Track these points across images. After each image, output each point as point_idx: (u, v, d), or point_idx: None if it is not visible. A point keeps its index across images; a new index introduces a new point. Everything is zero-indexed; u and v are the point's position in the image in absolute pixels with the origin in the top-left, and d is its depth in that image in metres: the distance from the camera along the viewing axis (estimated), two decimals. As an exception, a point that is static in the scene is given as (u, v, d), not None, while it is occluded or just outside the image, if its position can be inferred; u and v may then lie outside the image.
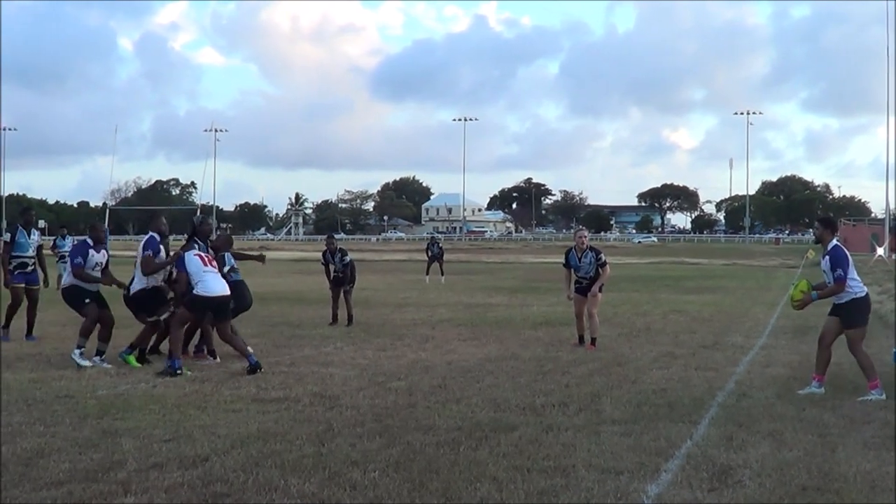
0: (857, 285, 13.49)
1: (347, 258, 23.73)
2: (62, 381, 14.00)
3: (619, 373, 15.24)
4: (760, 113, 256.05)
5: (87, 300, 16.45)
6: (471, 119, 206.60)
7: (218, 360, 16.45)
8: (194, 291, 15.66)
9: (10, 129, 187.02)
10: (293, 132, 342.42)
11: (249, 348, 15.57)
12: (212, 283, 15.69)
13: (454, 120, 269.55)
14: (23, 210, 21.36)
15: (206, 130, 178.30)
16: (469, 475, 8.80)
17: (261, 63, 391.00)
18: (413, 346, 18.61)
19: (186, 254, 15.98)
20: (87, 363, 15.64)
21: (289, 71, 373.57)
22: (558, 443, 10.19)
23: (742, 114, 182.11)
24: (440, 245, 46.90)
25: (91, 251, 16.46)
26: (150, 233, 16.80)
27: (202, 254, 16.15)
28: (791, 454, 9.75)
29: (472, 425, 11.01)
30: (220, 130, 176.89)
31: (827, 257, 13.56)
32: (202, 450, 9.76)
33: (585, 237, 19.23)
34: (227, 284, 15.97)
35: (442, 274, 44.77)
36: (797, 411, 11.99)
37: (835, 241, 13.65)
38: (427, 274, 44.57)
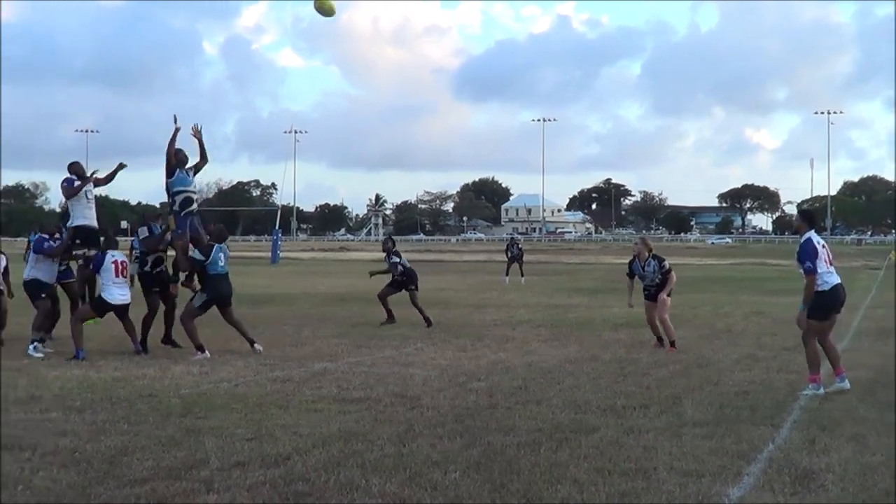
0: (823, 278, 13.38)
1: (395, 259, 23.76)
2: (145, 380, 14.14)
3: (700, 375, 15.14)
4: (841, 112, 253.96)
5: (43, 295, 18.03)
6: (550, 120, 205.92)
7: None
8: (102, 294, 17.15)
9: (91, 132, 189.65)
10: (375, 133, 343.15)
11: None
12: (115, 293, 17.04)
13: (533, 121, 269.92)
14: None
15: (286, 132, 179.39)
16: (550, 477, 8.78)
17: (343, 65, 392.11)
18: (493, 346, 18.59)
19: (106, 255, 17.18)
20: (40, 355, 16.82)
21: (371, 72, 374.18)
22: (639, 445, 10.13)
23: (823, 113, 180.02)
24: (520, 246, 46.81)
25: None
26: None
27: (119, 261, 17.17)
28: (874, 458, 9.63)
29: (552, 427, 10.98)
30: (300, 132, 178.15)
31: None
32: (284, 449, 9.81)
33: (641, 248, 19.21)
34: (128, 294, 17.30)
35: (522, 275, 44.66)
36: (880, 414, 11.84)
37: (807, 234, 13.53)
38: (507, 275, 44.49)
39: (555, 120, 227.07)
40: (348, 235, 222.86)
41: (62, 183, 18.31)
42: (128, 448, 9.80)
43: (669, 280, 18.60)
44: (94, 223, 18.40)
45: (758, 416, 11.73)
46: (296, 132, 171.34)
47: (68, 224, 18.42)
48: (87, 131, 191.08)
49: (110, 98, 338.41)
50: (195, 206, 18.43)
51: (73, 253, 18.40)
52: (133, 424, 10.98)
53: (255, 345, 17.35)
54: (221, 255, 17.46)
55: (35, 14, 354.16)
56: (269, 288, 34.59)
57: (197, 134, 18.59)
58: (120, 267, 17.14)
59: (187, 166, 18.40)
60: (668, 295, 18.79)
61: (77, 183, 18.18)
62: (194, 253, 17.28)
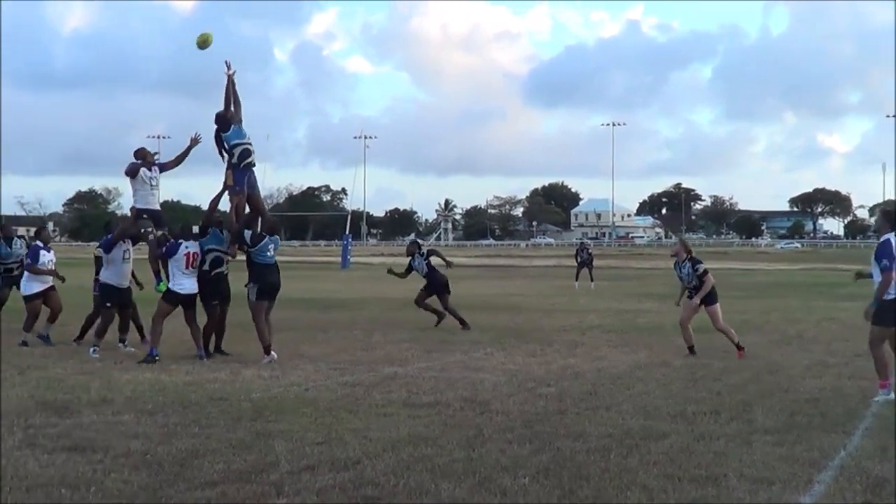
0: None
1: (416, 261, 24.06)
2: (217, 384, 14.24)
3: (771, 381, 15.02)
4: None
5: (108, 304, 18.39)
6: (619, 124, 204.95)
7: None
8: (170, 286, 17.53)
9: (163, 138, 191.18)
10: (445, 138, 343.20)
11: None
12: (185, 283, 17.43)
13: (602, 125, 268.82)
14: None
15: (355, 137, 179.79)
16: (619, 483, 8.75)
17: (412, 70, 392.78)
18: (563, 351, 18.54)
19: (180, 245, 17.54)
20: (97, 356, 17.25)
21: (440, 78, 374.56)
22: (710, 451, 10.07)
23: (893, 116, 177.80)
24: (589, 251, 46.74)
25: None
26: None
27: (191, 252, 17.45)
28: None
29: (622, 432, 10.94)
30: (370, 137, 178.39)
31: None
32: (354, 453, 9.84)
33: (679, 249, 19.59)
34: (195, 285, 17.54)
35: (592, 280, 44.52)
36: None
37: (888, 235, 13.37)
38: (577, 280, 44.41)
39: (624, 124, 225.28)
40: (418, 240, 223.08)
41: (129, 165, 18.61)
42: (198, 451, 9.87)
43: (705, 283, 18.37)
44: (157, 207, 18.72)
45: (829, 423, 11.62)
46: (365, 137, 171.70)
47: (131, 206, 18.93)
48: (158, 137, 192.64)
49: (182, 105, 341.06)
50: (252, 158, 18.49)
51: (143, 231, 18.64)
52: (204, 427, 11.06)
53: (272, 353, 16.92)
54: (272, 245, 17.48)
55: (106, 22, 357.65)
56: (339, 293, 34.76)
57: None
58: (191, 258, 17.33)
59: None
60: (708, 302, 18.40)
61: (141, 170, 18.50)
62: (245, 235, 17.29)
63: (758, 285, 45.33)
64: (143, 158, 18.72)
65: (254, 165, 18.51)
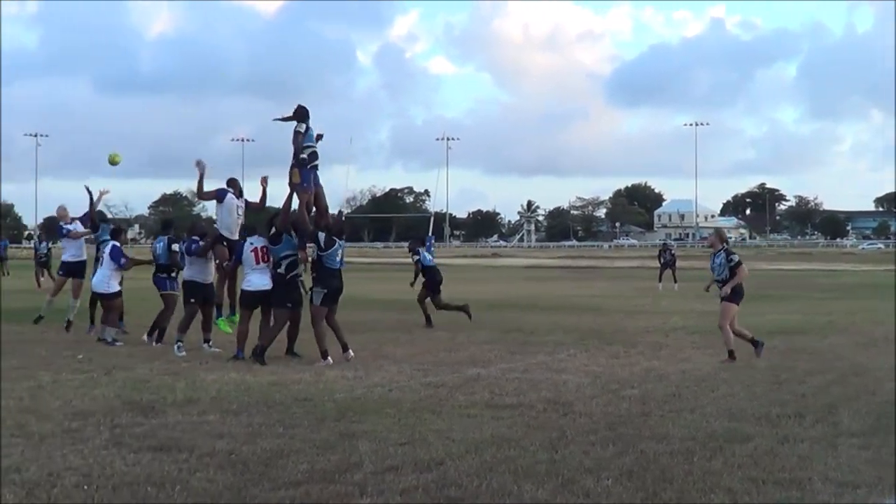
0: None
1: (417, 256, 24.40)
2: (301, 384, 14.33)
3: (856, 383, 14.87)
4: None
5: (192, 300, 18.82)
6: (702, 124, 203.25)
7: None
8: (243, 287, 18.04)
9: (247, 141, 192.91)
10: (528, 139, 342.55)
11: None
12: (255, 281, 17.62)
13: (685, 125, 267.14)
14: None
15: (438, 139, 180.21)
16: (703, 486, 8.72)
17: (494, 71, 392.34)
18: (646, 353, 18.47)
19: (245, 243, 18.00)
20: (183, 353, 17.71)
21: (523, 79, 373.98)
22: (794, 454, 10.00)
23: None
24: (673, 251, 46.49)
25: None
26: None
27: (258, 248, 17.61)
28: None
29: (706, 435, 10.89)
30: (452, 139, 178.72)
31: None
32: (437, 454, 9.87)
33: (714, 239, 19.12)
34: (269, 282, 17.52)
35: (675, 281, 44.20)
36: None
37: None
38: (660, 281, 44.16)
39: (707, 124, 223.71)
40: (500, 241, 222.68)
41: (217, 190, 19.09)
42: (283, 451, 9.95)
43: (737, 275, 17.99)
44: (236, 237, 18.89)
45: (917, 426, 11.49)
46: (448, 139, 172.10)
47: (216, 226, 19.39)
48: (242, 140, 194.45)
49: (265, 107, 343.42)
50: (318, 160, 18.74)
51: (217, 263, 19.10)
52: (288, 427, 11.14)
53: (349, 351, 17.11)
54: (340, 250, 17.50)
55: (191, 25, 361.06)
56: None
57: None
58: (260, 253, 17.46)
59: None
60: (730, 298, 18.14)
61: (228, 195, 19.14)
62: (319, 238, 17.32)
63: (842, 286, 44.90)
64: (234, 188, 19.33)
65: (316, 168, 18.74)
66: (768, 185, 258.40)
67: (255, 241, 17.63)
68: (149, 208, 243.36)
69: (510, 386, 14.36)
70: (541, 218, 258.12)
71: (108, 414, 11.88)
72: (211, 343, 18.48)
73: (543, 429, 11.22)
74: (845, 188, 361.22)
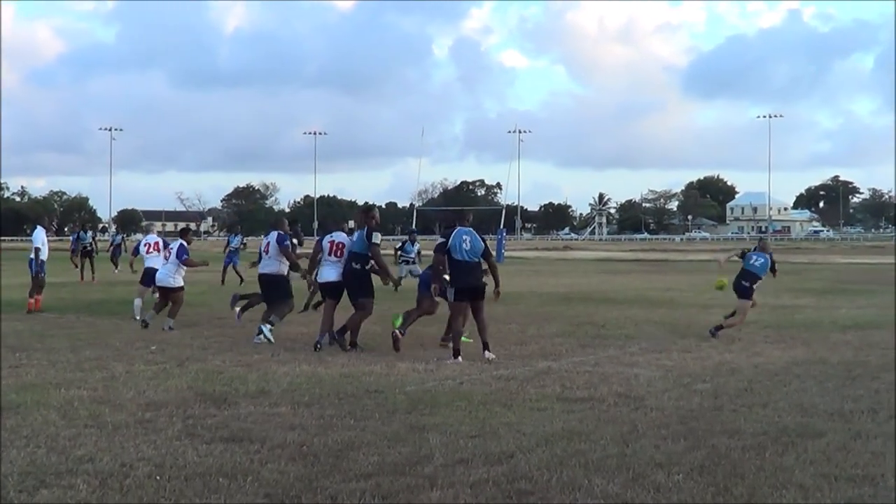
0: None
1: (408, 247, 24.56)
2: (372, 377, 14.37)
3: (933, 379, 14.69)
4: None
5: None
6: (776, 116, 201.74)
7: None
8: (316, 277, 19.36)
9: (320, 133, 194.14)
10: (602, 132, 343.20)
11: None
12: (324, 272, 18.49)
13: (758, 117, 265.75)
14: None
15: (510, 132, 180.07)
16: (774, 481, 8.64)
17: (568, 64, 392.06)
18: (718, 347, 18.34)
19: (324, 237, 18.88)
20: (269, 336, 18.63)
21: (597, 72, 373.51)
22: (867, 451, 9.89)
23: None
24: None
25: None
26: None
27: (335, 242, 18.43)
28: None
29: (778, 430, 10.80)
30: (524, 132, 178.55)
31: None
32: (507, 447, 9.86)
33: (765, 243, 19.70)
34: (336, 273, 18.19)
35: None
36: None
37: None
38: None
39: (781, 116, 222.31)
40: (572, 234, 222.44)
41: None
42: (354, 443, 9.98)
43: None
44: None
45: None
46: (520, 132, 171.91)
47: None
48: (315, 133, 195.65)
49: (339, 101, 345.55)
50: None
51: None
52: (359, 420, 11.17)
53: (488, 353, 16.77)
54: (467, 238, 17.43)
55: (270, 20, 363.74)
56: (510, 285, 34.75)
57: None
58: (336, 247, 18.32)
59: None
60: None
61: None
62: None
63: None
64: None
65: None
66: (842, 178, 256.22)
67: (336, 236, 18.44)
68: (222, 201, 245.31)
69: (581, 379, 14.33)
70: (612, 211, 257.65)
71: (181, 405, 11.99)
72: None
73: (614, 422, 11.18)
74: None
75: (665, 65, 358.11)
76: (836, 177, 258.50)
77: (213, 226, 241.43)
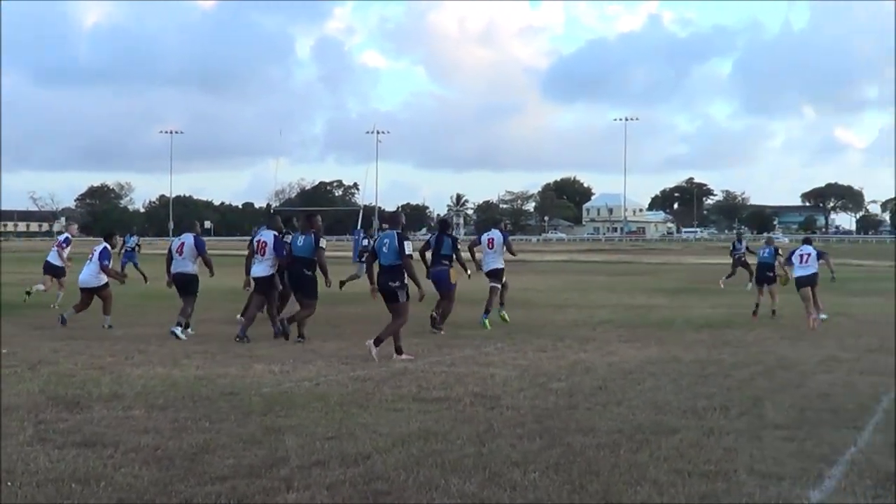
0: None
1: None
2: (227, 379, 14.28)
3: (782, 376, 15.00)
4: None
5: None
6: (632, 119, 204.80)
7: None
8: None
9: (175, 133, 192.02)
10: (462, 133, 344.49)
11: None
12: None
13: (615, 120, 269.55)
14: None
15: (368, 132, 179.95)
16: (629, 478, 8.75)
17: (429, 65, 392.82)
18: (574, 347, 18.52)
19: None
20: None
21: (458, 73, 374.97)
22: (720, 447, 10.07)
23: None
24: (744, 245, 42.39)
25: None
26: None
27: None
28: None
29: (632, 428, 10.95)
30: (382, 132, 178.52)
31: None
32: (364, 448, 9.86)
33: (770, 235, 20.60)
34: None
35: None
36: (968, 417, 11.67)
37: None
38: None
39: (637, 119, 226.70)
40: (429, 235, 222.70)
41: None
42: (209, 446, 9.90)
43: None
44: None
45: (840, 418, 11.61)
46: (378, 132, 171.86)
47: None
48: (171, 132, 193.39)
49: (201, 100, 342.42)
50: None
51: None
52: (214, 422, 11.09)
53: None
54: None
55: (130, 17, 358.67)
56: (350, 287, 34.68)
57: None
58: (260, 246, 20.30)
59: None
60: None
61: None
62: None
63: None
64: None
65: None
66: (696, 180, 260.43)
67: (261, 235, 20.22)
68: (76, 201, 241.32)
69: (437, 379, 14.38)
70: (470, 211, 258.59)
71: (32, 409, 11.77)
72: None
73: (470, 422, 11.23)
74: (775, 183, 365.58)
75: (526, 67, 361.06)
76: (691, 179, 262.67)
77: (65, 226, 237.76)
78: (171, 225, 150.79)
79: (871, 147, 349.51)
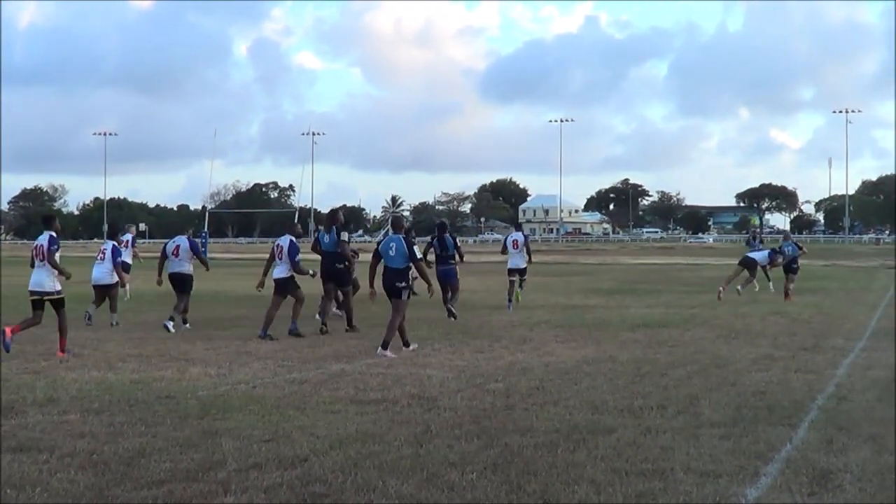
0: None
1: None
2: (163, 383, 14.20)
3: (717, 375, 15.10)
4: (860, 111, 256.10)
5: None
6: (567, 120, 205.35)
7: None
8: None
9: (109, 134, 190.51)
10: (399, 135, 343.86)
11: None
12: None
13: (550, 121, 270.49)
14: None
15: (303, 134, 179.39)
16: (567, 477, 8.78)
17: (365, 66, 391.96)
18: (510, 347, 18.56)
19: None
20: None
21: (395, 74, 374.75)
22: (656, 445, 10.13)
23: (842, 112, 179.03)
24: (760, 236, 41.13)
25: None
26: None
27: None
28: (892, 458, 9.59)
29: (569, 427, 10.98)
30: (318, 133, 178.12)
31: None
32: (301, 450, 9.84)
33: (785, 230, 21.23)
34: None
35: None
36: (899, 414, 11.80)
37: None
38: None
39: (572, 120, 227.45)
40: (366, 237, 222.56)
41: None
42: (145, 450, 9.84)
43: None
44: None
45: (775, 416, 11.71)
46: (313, 134, 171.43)
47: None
48: (105, 134, 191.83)
49: (136, 101, 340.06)
50: None
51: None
52: (150, 426, 11.03)
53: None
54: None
55: (63, 17, 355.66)
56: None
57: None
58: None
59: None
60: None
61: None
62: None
63: (705, 280, 45.49)
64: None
65: None
66: (632, 181, 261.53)
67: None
68: (9, 203, 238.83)
69: (374, 381, 14.37)
70: (406, 213, 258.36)
71: (-35, 415, 11.65)
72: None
73: (408, 424, 11.24)
74: (711, 184, 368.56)
75: (463, 68, 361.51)
76: (626, 180, 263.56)
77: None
78: (106, 227, 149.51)
79: (805, 147, 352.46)
